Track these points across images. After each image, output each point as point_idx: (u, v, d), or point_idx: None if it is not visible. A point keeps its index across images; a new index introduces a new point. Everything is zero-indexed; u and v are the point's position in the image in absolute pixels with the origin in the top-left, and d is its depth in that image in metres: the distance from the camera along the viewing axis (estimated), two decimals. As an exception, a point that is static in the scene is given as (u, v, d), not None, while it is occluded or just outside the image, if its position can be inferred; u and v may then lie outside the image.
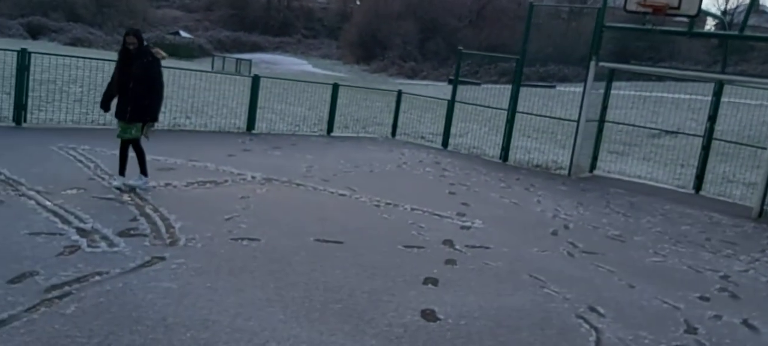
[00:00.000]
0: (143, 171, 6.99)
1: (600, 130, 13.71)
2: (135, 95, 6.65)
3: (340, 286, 4.87)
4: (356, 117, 17.55)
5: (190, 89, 14.84)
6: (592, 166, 13.76)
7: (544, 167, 13.54)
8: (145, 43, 6.77)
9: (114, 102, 6.87)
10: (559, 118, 14.98)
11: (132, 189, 6.77)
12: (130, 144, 6.91)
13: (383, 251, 5.95)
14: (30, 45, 33.12)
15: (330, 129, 14.64)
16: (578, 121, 12.64)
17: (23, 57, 9.75)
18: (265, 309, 4.25)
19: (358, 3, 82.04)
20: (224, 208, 6.64)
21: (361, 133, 15.60)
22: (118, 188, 6.71)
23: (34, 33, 56.83)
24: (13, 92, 10.02)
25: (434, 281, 5.27)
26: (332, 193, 8.19)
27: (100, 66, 12.02)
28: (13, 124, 9.84)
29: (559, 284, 5.66)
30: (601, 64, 12.38)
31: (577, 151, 12.73)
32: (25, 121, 9.98)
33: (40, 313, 3.73)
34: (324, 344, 3.88)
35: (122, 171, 6.93)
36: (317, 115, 16.26)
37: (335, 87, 14.76)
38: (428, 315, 4.54)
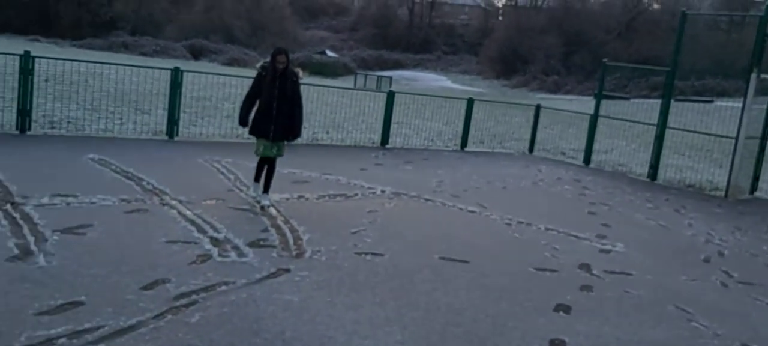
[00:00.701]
0: (267, 189, 6.95)
1: (762, 149, 12.39)
2: (281, 114, 6.65)
3: (463, 308, 4.65)
4: (493, 132, 17.18)
5: (332, 106, 15.25)
6: (753, 188, 12.45)
7: (697, 187, 12.45)
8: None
9: (250, 117, 6.89)
10: (715, 135, 13.74)
11: (262, 206, 6.76)
12: (270, 162, 6.93)
13: (512, 272, 5.64)
14: (190, 65, 35.89)
15: (464, 144, 14.42)
16: (737, 139, 11.51)
17: (176, 75, 10.45)
18: (382, 328, 4.13)
19: (499, 18, 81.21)
20: (351, 222, 6.64)
21: (497, 149, 15.23)
22: (263, 206, 6.70)
23: (196, 54, 61.41)
24: (167, 108, 10.76)
25: (566, 309, 4.90)
26: (461, 209, 7.97)
27: (250, 84, 12.69)
28: (167, 138, 10.56)
29: (709, 317, 5.07)
30: (764, 76, 11.20)
31: (735, 170, 11.58)
32: (177, 135, 10.68)
33: (166, 320, 3.85)
34: (441, 369, 3.68)
35: (259, 178, 6.97)
36: (453, 131, 16.09)
37: (470, 102, 14.54)
38: None
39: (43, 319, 3.66)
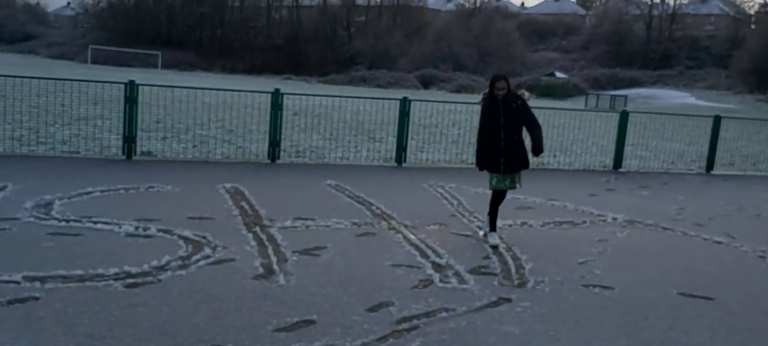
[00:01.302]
0: (494, 225, 6.44)
1: None
2: (510, 144, 6.20)
3: (706, 351, 4.14)
4: (745, 153, 15.35)
5: (560, 128, 14.79)
6: None
7: None
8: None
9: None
10: None
11: (492, 246, 6.20)
12: (503, 194, 6.45)
13: (765, 311, 4.92)
14: (419, 94, 37.26)
15: (709, 166, 13.04)
16: None
17: (404, 105, 10.91)
18: (610, 368, 3.82)
19: (752, 26, 72.74)
20: (579, 251, 6.31)
21: (749, 171, 13.54)
22: (494, 246, 6.17)
23: (426, 83, 63.81)
24: (396, 136, 11.26)
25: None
26: (705, 239, 7.17)
27: (477, 109, 12.83)
28: (395, 164, 11.05)
29: None
30: None
31: None
32: (405, 161, 11.12)
33: (388, 344, 3.96)
34: (678, 420, 3.29)
35: (494, 226, 6.41)
36: (697, 152, 14.66)
37: (717, 119, 13.14)
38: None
39: (280, 335, 3.97)
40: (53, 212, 6.34)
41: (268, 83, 33.82)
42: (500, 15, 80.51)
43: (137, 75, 24.12)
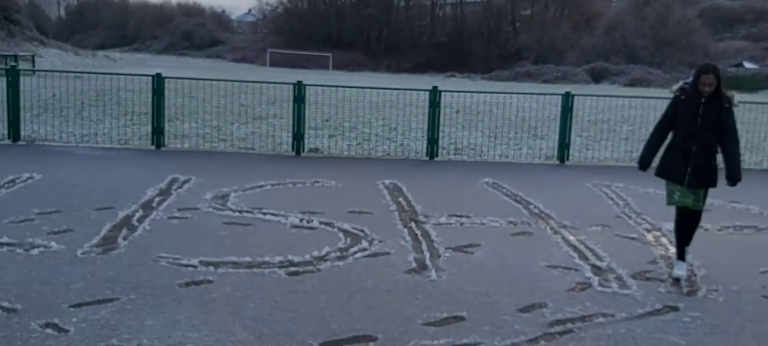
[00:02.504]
0: (682, 254, 5.24)
1: None
2: (701, 153, 5.05)
3: None
4: None
5: (748, 124, 13.46)
6: None
7: None
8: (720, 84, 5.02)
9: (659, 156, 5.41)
10: None
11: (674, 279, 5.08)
12: (692, 215, 5.27)
13: None
14: (588, 89, 35.70)
15: None
16: None
17: (567, 100, 10.52)
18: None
19: None
20: (762, 259, 5.71)
21: None
22: (677, 279, 5.05)
23: (597, 77, 60.90)
24: (557, 133, 10.89)
25: None
26: None
27: (652, 104, 12.08)
28: (557, 162, 10.68)
29: None
30: None
31: None
32: (567, 159, 10.72)
33: (538, 346, 3.85)
34: None
35: (681, 254, 5.24)
36: None
37: None
38: None
39: (429, 329, 4.01)
40: (229, 203, 6.88)
41: (431, 81, 34.23)
42: (679, 2, 74.83)
43: (309, 76, 25.50)
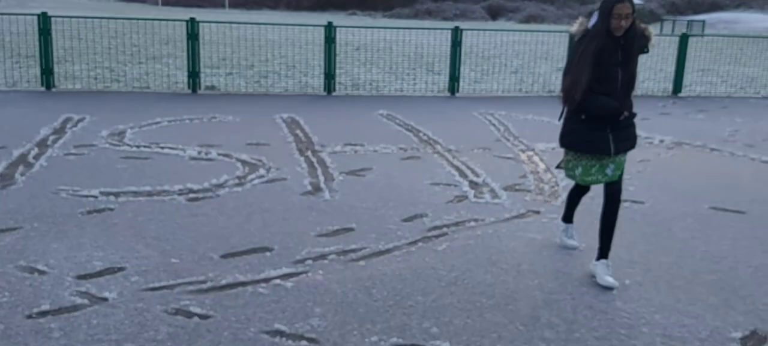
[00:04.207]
0: (606, 252, 3.98)
1: None
2: (625, 108, 3.84)
3: (722, 257, 4.36)
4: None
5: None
6: None
7: None
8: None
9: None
10: None
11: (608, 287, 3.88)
12: (608, 191, 3.96)
13: (796, 226, 5.03)
14: (484, 25, 36.74)
15: (778, 90, 12.65)
16: None
17: (456, 34, 11.06)
18: (624, 269, 4.10)
19: None
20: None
21: (823, 95, 13.04)
22: (570, 248, 4.39)
23: (494, 15, 62.44)
24: (447, 67, 11.46)
25: None
26: (753, 159, 7.19)
27: (540, 39, 12.84)
28: (449, 95, 11.30)
29: None
30: None
31: None
32: (457, 91, 11.35)
33: (417, 247, 4.36)
34: (679, 311, 3.57)
35: (569, 216, 4.46)
36: (768, 76, 14.19)
37: (787, 41, 12.66)
38: (831, 303, 3.73)
39: (321, 239, 4.43)
40: (126, 139, 6.98)
41: (332, 19, 34.20)
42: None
43: (204, 14, 24.85)
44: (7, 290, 3.49)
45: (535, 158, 6.89)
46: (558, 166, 4.27)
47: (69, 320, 3.21)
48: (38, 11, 10.66)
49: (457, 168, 6.40)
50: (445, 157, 6.82)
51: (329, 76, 10.91)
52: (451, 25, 11.71)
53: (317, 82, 11.65)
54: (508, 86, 12.38)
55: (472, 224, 4.83)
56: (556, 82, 12.37)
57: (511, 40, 17.58)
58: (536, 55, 14.45)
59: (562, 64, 11.45)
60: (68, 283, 3.61)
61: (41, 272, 3.72)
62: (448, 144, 7.38)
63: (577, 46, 3.86)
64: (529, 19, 59.29)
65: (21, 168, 5.77)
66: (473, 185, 5.83)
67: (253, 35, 15.09)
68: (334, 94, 10.98)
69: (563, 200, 5.42)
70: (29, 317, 3.23)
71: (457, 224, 4.81)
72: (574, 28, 3.92)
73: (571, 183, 4.41)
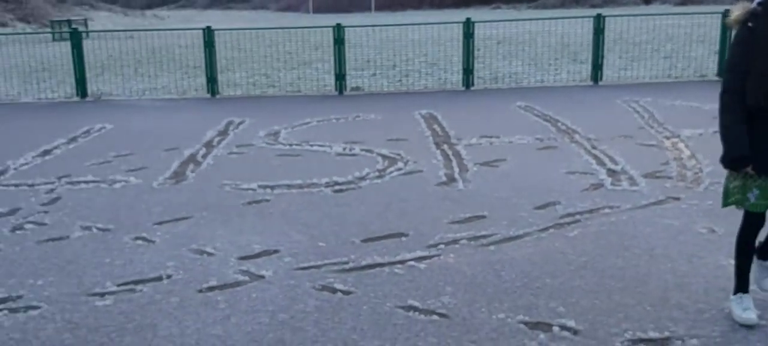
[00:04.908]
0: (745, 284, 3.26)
1: None
2: None
3: None
4: None
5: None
6: None
7: None
8: None
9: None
10: None
11: None
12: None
13: None
14: (635, 10, 34.97)
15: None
16: None
17: (598, 22, 10.80)
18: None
19: None
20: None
21: None
22: (748, 325, 3.15)
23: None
24: (590, 55, 11.21)
25: None
26: None
27: (698, 21, 12.14)
28: (591, 83, 11.05)
29: None
30: None
31: None
32: (601, 79, 11.08)
33: (548, 233, 4.46)
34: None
35: (745, 283, 3.26)
36: None
37: None
38: None
39: (454, 226, 4.67)
40: (280, 139, 7.63)
41: (475, 14, 34.21)
42: None
43: (350, 19, 25.92)
44: (182, 269, 4.06)
45: (680, 145, 6.66)
46: (727, 204, 3.30)
47: (232, 294, 3.69)
48: (203, 26, 11.80)
49: (596, 157, 6.36)
50: (583, 146, 6.78)
51: (468, 72, 11.09)
52: (606, 12, 11.42)
53: (456, 78, 11.86)
54: (657, 72, 11.86)
55: (607, 210, 4.83)
56: (712, 66, 11.67)
57: (664, 24, 16.77)
58: (692, 39, 13.66)
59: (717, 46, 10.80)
60: (232, 263, 4.12)
61: (210, 254, 4.28)
62: (588, 133, 7.31)
63: (744, 32, 3.01)
64: (685, 1, 55.49)
65: (191, 166, 6.53)
66: (611, 172, 5.79)
67: (395, 36, 15.63)
68: (472, 88, 11.15)
69: (707, 186, 5.26)
70: (200, 291, 3.75)
71: (590, 211, 4.84)
72: (735, 13, 3.05)
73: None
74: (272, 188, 5.70)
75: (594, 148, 6.69)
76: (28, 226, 4.88)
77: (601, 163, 6.11)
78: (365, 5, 63.99)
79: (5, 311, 3.54)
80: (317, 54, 16.32)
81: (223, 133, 8.04)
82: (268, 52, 15.24)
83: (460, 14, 17.58)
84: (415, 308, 3.46)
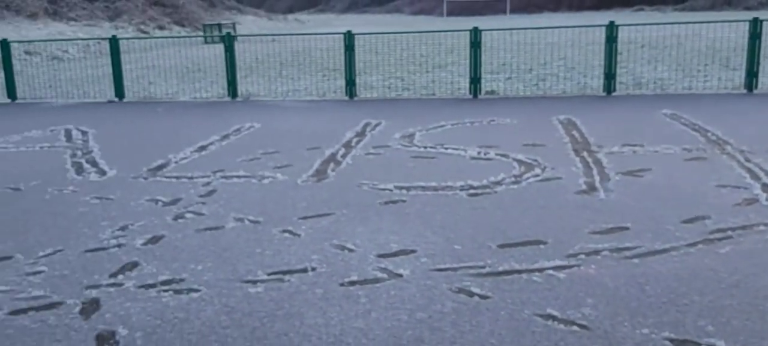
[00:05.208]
0: None
1: None
2: None
3: None
4: None
5: None
6: None
7: None
8: None
9: None
10: None
11: None
12: None
13: None
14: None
15: None
16: None
17: (755, 26, 10.05)
18: None
19: None
20: None
21: None
22: None
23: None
24: (745, 61, 10.45)
25: None
26: None
27: None
28: (745, 91, 10.30)
29: None
30: None
31: None
32: (756, 87, 10.29)
33: (696, 249, 4.24)
34: None
35: None
36: None
37: None
38: None
39: (594, 237, 4.56)
40: (415, 141, 7.77)
41: (616, 17, 32.86)
42: None
43: (485, 22, 25.77)
44: (325, 263, 4.27)
45: None
46: None
47: (372, 290, 3.84)
48: (340, 31, 12.24)
49: (749, 170, 5.95)
50: (736, 159, 6.37)
51: (609, 77, 10.71)
52: (758, 16, 10.64)
53: (596, 82, 11.50)
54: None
55: (762, 228, 4.52)
56: None
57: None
58: None
59: None
60: (371, 260, 4.28)
61: (350, 250, 4.46)
62: (741, 144, 6.85)
63: None
64: None
65: (332, 165, 6.82)
66: (766, 187, 5.39)
67: (532, 39, 15.39)
68: (613, 94, 10.76)
69: None
70: (342, 284, 3.93)
71: (743, 227, 4.55)
72: None
73: None
74: (408, 189, 5.83)
75: (748, 160, 6.27)
76: (188, 215, 5.32)
77: (755, 177, 5.72)
78: (500, 8, 63.31)
79: (170, 292, 3.90)
80: (451, 57, 16.40)
81: (361, 134, 8.31)
82: (402, 56, 15.52)
83: (600, 17, 16.96)
84: (554, 318, 3.43)
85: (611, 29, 10.57)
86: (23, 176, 6.75)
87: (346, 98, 11.68)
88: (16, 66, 13.38)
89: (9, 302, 3.82)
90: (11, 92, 12.81)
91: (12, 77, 12.83)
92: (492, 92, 11.53)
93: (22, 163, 7.40)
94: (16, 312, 3.69)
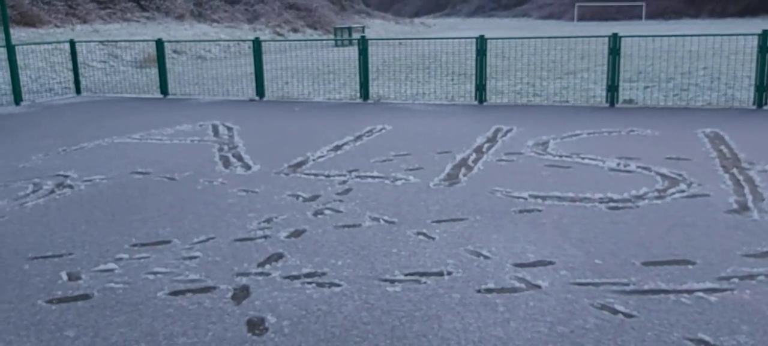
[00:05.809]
0: None
1: None
2: None
3: None
4: None
5: None
6: None
7: None
8: None
9: None
10: None
11: None
12: None
13: None
14: None
15: None
16: None
17: None
18: None
19: None
20: None
21: None
22: None
23: None
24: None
25: None
26: None
27: None
28: None
29: None
30: None
31: None
32: None
33: None
34: None
35: None
36: None
37: None
38: None
39: (748, 260, 4.27)
40: (549, 149, 7.62)
41: (763, 25, 30.55)
42: None
43: (621, 28, 24.76)
44: (461, 268, 4.29)
45: None
46: None
47: (510, 299, 3.81)
48: (468, 35, 12.20)
49: None
50: None
51: (761, 89, 9.96)
52: None
53: (745, 94, 10.74)
54: None
55: None
56: None
57: None
58: None
59: None
60: (507, 268, 4.25)
61: (486, 257, 4.45)
62: None
63: None
64: None
65: (463, 170, 6.82)
66: None
67: (671, 47, 14.62)
68: (765, 107, 10.00)
69: None
70: (479, 291, 3.93)
71: None
72: None
73: None
74: (543, 198, 5.73)
75: None
76: (327, 212, 5.52)
77: None
78: (635, 13, 60.55)
79: (313, 285, 4.06)
80: (584, 63, 15.90)
81: (492, 140, 8.26)
82: (532, 61, 15.24)
83: (744, 24, 15.84)
84: (706, 343, 3.25)
85: (765, 38, 9.83)
86: (177, 167, 7.28)
87: (476, 103, 11.64)
88: (166, 64, 14.42)
89: (169, 283, 4.14)
90: (164, 88, 13.84)
91: (165, 74, 13.87)
92: (630, 101, 11.07)
93: (176, 154, 7.98)
94: (175, 293, 3.99)
